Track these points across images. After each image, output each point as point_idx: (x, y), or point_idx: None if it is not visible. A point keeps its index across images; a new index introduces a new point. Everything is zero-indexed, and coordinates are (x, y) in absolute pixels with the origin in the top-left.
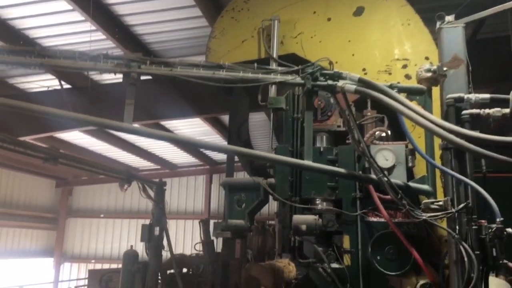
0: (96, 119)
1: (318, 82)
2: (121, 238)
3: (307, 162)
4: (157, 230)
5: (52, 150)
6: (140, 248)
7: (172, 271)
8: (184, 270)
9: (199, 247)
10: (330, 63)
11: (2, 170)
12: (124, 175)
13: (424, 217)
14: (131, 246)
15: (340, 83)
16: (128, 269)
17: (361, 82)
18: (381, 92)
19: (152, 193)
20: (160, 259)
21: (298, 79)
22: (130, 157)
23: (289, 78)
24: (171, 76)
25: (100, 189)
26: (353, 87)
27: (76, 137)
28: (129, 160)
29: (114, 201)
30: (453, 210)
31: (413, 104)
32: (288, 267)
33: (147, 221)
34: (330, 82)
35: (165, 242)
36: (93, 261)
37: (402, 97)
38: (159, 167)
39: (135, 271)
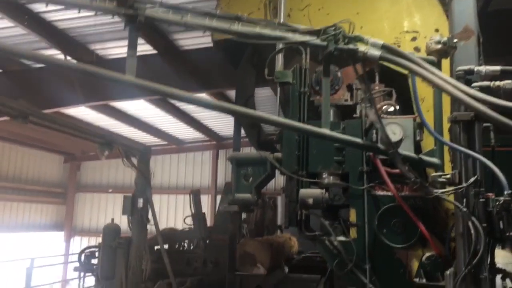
0: (100, 70)
1: (340, 46)
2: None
3: (325, 131)
4: (141, 202)
5: (21, 105)
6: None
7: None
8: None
9: (189, 220)
10: (351, 25)
11: (11, 145)
12: (103, 139)
13: (436, 194)
14: (112, 219)
15: (363, 48)
16: (108, 245)
17: (385, 48)
18: (407, 60)
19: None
20: (144, 234)
21: (318, 41)
22: (137, 133)
23: (307, 38)
24: (181, 24)
25: (108, 164)
26: (377, 53)
27: (82, 112)
28: (135, 135)
29: (122, 176)
30: (464, 184)
31: (442, 73)
32: (289, 242)
33: (156, 196)
34: (351, 46)
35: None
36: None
37: (429, 65)
38: (166, 142)
39: (116, 247)
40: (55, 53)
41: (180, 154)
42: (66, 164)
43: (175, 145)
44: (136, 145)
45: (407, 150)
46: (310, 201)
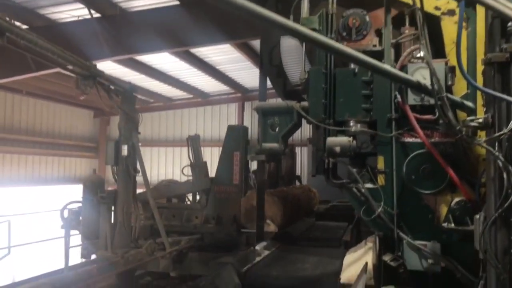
0: None
1: None
2: (159, 165)
3: (387, 67)
4: (125, 150)
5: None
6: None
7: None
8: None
9: (187, 171)
10: None
11: (43, 102)
12: (84, 69)
13: (480, 143)
14: (94, 170)
15: None
16: (89, 200)
17: None
18: None
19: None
20: (132, 186)
21: None
22: (163, 87)
23: None
24: None
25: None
26: None
27: (108, 67)
28: (161, 89)
29: (150, 130)
30: (505, 130)
31: None
32: (308, 193)
33: (184, 150)
34: None
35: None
36: None
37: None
38: (191, 96)
39: (98, 202)
40: (80, 7)
41: (206, 107)
42: (96, 119)
43: (200, 98)
44: (164, 100)
45: None
46: (338, 149)
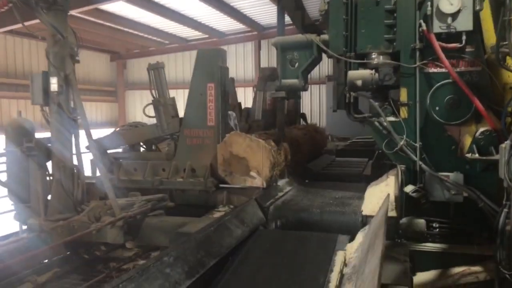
0: None
1: None
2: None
3: None
4: (55, 84)
5: None
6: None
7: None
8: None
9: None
10: None
11: None
12: None
13: None
14: (19, 112)
15: None
16: (13, 152)
17: None
18: None
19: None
20: (67, 133)
21: None
22: (178, 27)
23: None
24: None
25: (152, 61)
26: None
27: (122, 8)
28: (176, 30)
29: (167, 73)
30: None
31: None
32: (312, 134)
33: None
34: None
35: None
36: None
37: None
38: (207, 36)
39: (26, 153)
40: None
41: (222, 47)
42: (112, 63)
43: (216, 38)
44: (179, 40)
45: (465, 21)
46: (359, 83)
